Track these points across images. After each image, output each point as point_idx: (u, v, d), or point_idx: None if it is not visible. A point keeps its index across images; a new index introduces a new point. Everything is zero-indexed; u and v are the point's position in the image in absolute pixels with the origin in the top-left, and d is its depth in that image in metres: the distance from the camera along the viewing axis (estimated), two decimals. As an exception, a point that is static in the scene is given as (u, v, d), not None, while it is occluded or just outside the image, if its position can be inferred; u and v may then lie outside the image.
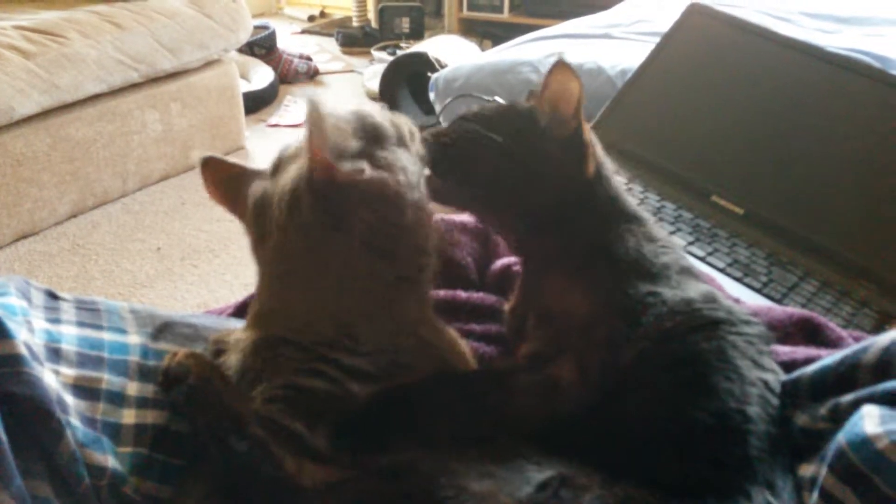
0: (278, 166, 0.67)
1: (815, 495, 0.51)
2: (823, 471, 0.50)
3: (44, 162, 1.97)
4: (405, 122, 0.71)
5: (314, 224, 0.62)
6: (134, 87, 2.19)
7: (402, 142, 0.68)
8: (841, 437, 0.50)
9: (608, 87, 1.62)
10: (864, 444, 0.47)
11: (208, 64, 2.43)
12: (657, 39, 1.36)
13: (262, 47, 3.29)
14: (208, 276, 1.87)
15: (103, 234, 2.06)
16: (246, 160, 2.47)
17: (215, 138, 2.49)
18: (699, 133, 1.24)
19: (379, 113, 0.68)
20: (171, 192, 2.30)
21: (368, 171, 0.62)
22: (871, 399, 0.51)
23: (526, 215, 0.74)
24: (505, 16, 3.82)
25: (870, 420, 0.48)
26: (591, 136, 0.74)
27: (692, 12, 1.32)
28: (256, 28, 3.06)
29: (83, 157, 2.08)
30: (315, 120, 0.58)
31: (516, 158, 0.71)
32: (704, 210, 1.16)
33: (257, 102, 2.95)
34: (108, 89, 2.09)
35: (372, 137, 0.65)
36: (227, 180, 0.71)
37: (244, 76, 3.04)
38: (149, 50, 2.18)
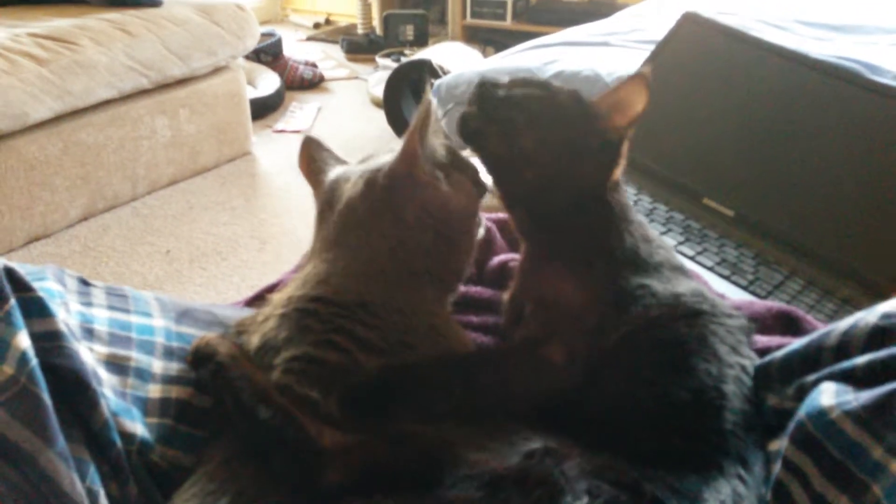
0: (368, 158, 0.78)
1: (779, 464, 0.55)
2: (785, 442, 0.55)
3: (56, 166, 2.02)
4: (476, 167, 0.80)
5: (378, 204, 0.72)
6: (144, 93, 2.24)
7: (473, 178, 0.78)
8: (801, 411, 0.54)
9: (605, 93, 1.66)
10: (819, 415, 0.52)
11: (216, 70, 2.47)
12: (653, 47, 1.40)
13: (268, 54, 3.34)
14: (216, 279, 1.90)
15: (113, 237, 2.10)
16: (252, 165, 2.54)
17: (223, 144, 2.53)
18: (692, 138, 1.27)
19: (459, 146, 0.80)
20: (180, 197, 2.35)
21: (444, 185, 0.73)
22: (831, 377, 0.55)
23: (542, 203, 0.77)
24: (507, 23, 3.87)
25: (826, 394, 0.53)
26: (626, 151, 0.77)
27: (686, 21, 1.36)
28: (263, 35, 3.10)
29: (94, 162, 2.12)
30: (424, 117, 0.69)
31: (560, 138, 0.74)
32: (696, 212, 1.20)
33: (263, 108, 3.00)
34: (118, 95, 2.14)
35: (454, 159, 0.76)
36: (316, 158, 0.82)
37: (251, 83, 3.08)
38: (159, 57, 2.22)
